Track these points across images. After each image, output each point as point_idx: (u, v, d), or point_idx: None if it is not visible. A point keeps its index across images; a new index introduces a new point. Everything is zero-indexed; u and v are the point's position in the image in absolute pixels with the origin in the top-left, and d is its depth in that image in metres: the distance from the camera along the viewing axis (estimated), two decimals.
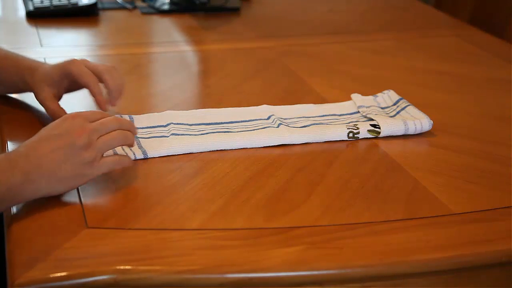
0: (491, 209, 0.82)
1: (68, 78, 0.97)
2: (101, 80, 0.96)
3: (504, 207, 0.82)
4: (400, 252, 0.73)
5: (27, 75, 0.99)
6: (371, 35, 1.51)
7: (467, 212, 0.81)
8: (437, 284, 0.75)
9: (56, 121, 0.80)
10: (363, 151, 0.95)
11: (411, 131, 0.98)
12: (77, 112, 0.81)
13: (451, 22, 1.64)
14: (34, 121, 1.00)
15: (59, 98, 0.99)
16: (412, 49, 1.41)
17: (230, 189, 0.84)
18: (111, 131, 0.81)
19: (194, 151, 0.92)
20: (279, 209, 0.80)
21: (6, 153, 0.79)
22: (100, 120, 0.81)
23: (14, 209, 0.77)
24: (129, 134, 0.83)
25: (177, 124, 0.97)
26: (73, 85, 0.99)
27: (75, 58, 0.97)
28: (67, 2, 1.50)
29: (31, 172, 0.75)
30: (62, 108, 0.98)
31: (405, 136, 0.99)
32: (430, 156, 0.95)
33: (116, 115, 0.98)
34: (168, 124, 0.97)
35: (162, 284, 0.69)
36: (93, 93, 0.95)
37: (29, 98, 1.05)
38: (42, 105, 0.99)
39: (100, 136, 0.80)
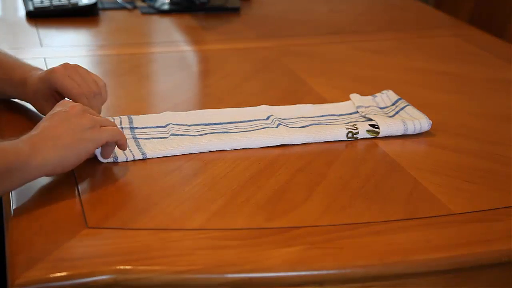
0: (491, 209, 0.82)
1: (54, 88, 0.96)
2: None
3: (504, 207, 0.82)
4: (400, 252, 0.73)
5: (20, 88, 1.00)
6: (371, 35, 1.51)
7: (467, 212, 0.81)
8: (437, 284, 0.75)
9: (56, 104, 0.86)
10: (362, 151, 0.95)
11: (410, 131, 0.98)
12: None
13: (451, 22, 1.64)
14: (35, 122, 1.00)
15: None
16: (412, 49, 1.41)
17: (230, 189, 0.84)
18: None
19: (193, 152, 0.92)
20: (279, 209, 0.80)
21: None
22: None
23: (14, 209, 0.77)
24: (122, 134, 0.86)
25: (176, 124, 0.97)
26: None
27: (67, 62, 0.97)
28: (67, 2, 1.50)
29: (36, 142, 0.78)
30: None
31: (404, 136, 0.99)
32: (430, 156, 0.95)
33: (116, 117, 0.98)
34: (167, 125, 0.97)
35: (162, 284, 0.69)
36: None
37: None
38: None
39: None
